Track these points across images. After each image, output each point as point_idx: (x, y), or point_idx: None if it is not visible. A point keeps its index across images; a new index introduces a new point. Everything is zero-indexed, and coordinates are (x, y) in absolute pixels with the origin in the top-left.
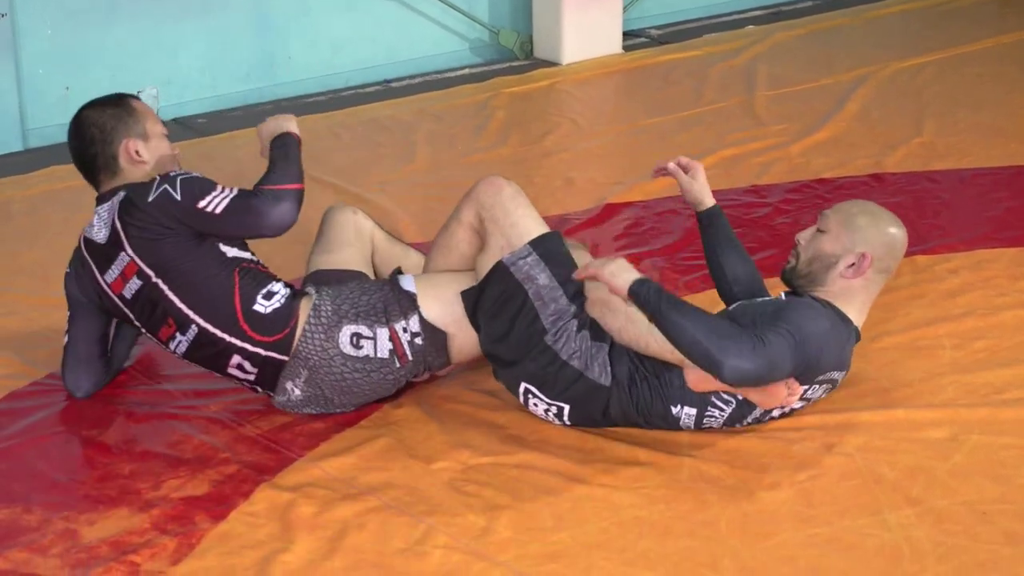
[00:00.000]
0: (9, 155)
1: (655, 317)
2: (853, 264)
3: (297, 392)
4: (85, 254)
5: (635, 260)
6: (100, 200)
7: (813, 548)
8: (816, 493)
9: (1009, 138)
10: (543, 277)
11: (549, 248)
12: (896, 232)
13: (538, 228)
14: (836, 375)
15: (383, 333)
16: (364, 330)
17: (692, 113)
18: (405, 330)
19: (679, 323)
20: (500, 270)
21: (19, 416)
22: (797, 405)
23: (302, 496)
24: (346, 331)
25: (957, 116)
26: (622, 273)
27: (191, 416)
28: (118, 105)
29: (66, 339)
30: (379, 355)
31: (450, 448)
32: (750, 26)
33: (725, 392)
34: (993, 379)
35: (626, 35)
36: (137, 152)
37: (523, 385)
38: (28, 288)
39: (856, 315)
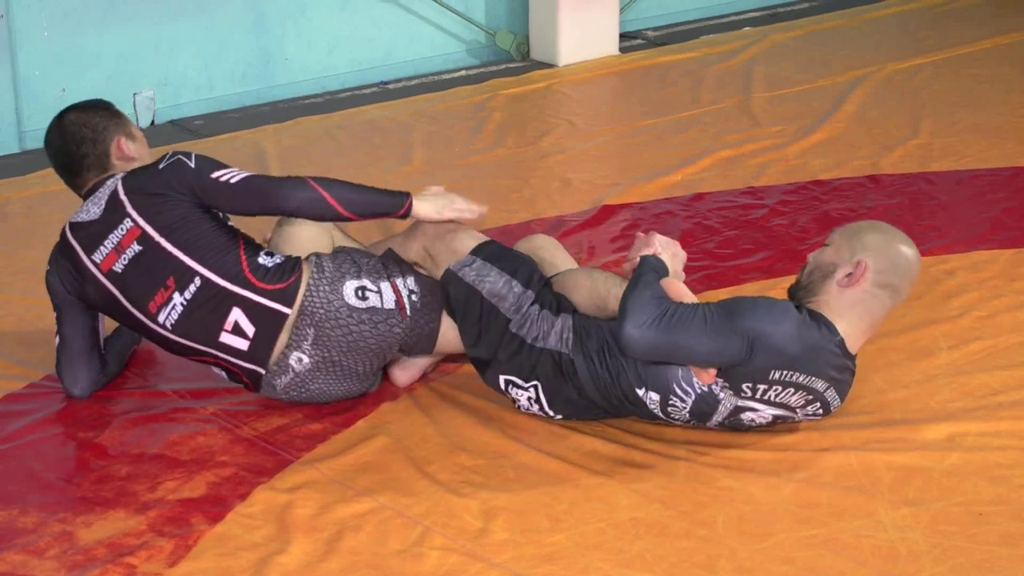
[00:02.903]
0: (5, 157)
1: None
2: (850, 273)
3: (305, 360)
4: (70, 238)
5: None
6: (89, 193)
7: (810, 549)
8: (813, 494)
9: (1006, 139)
10: (492, 275)
11: (491, 251)
12: (904, 250)
13: (478, 241)
14: (803, 379)
15: (386, 286)
16: (368, 283)
17: (689, 114)
18: (404, 286)
19: (636, 282)
20: (450, 277)
21: (15, 418)
22: (767, 414)
23: (299, 498)
24: (350, 285)
25: (954, 117)
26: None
27: (188, 418)
28: (106, 108)
29: (57, 339)
30: (385, 306)
31: (447, 449)
32: (747, 27)
33: (684, 382)
34: (990, 380)
35: (622, 36)
36: (128, 150)
37: (502, 378)
38: (25, 289)
39: (846, 327)
